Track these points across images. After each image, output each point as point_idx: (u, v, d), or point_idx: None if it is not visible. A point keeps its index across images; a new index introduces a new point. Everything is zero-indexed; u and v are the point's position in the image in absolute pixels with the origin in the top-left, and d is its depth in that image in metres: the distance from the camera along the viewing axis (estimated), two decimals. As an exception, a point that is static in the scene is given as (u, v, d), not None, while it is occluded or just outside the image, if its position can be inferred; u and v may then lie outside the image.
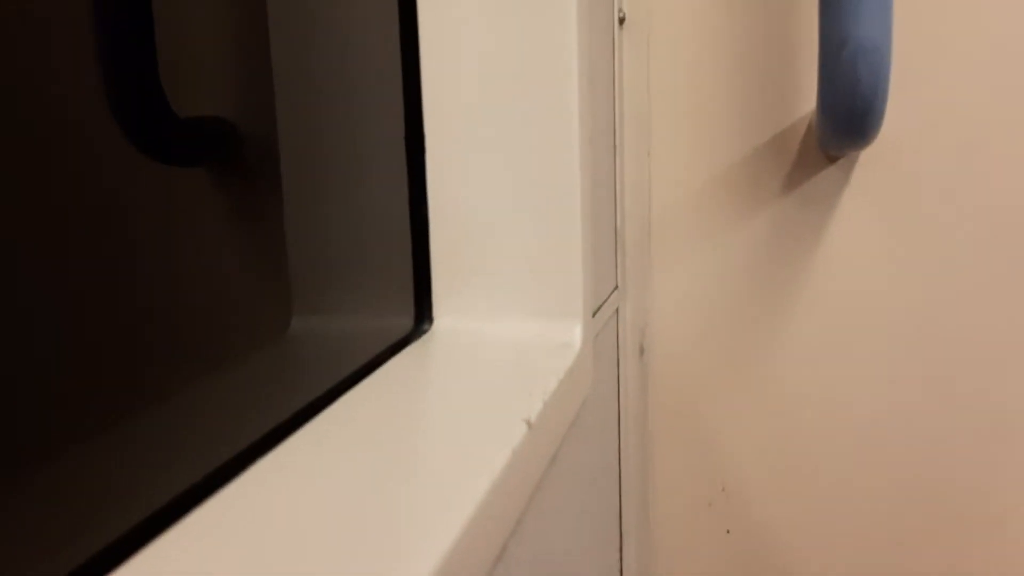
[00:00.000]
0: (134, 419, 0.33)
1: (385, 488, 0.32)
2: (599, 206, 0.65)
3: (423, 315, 0.55)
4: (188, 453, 0.34)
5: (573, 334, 0.53)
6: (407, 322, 0.55)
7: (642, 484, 0.78)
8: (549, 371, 0.47)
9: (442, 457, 0.36)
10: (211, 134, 0.58)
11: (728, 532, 0.78)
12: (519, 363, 0.49)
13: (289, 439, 0.36)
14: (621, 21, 0.70)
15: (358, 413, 0.40)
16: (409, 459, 0.36)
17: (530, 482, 0.41)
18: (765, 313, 0.74)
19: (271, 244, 0.56)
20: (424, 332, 0.54)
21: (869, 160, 0.68)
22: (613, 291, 0.70)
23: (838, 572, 0.77)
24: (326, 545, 0.28)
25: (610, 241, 0.70)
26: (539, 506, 0.47)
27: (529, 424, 0.39)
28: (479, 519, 0.31)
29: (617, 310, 0.71)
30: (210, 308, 0.42)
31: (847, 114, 0.58)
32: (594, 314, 0.61)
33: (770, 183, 0.71)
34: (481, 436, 0.37)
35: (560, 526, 0.53)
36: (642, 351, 0.75)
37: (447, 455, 0.36)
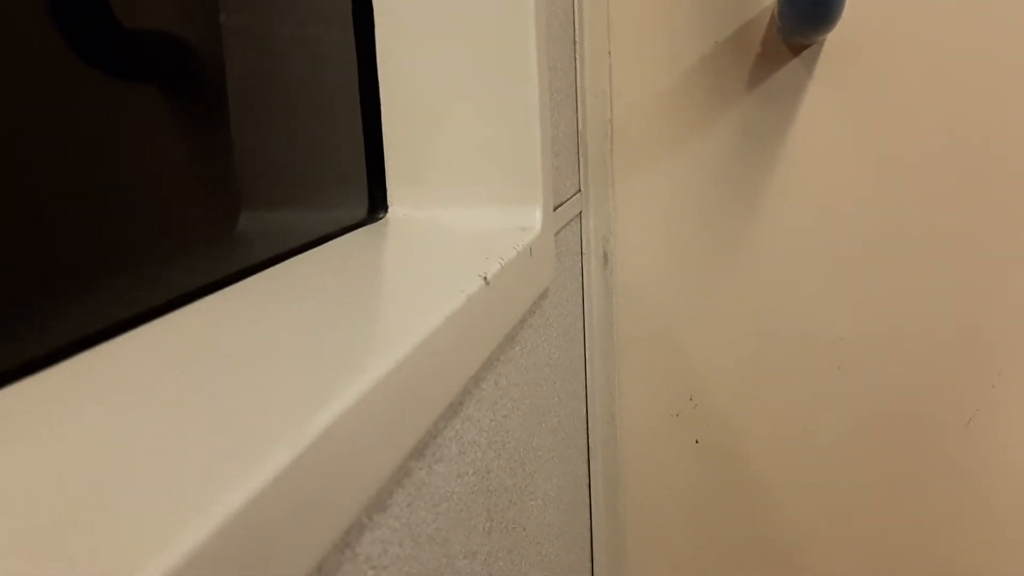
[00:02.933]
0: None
1: (343, 314, 0.31)
2: (559, 103, 0.63)
3: (377, 205, 0.53)
4: (135, 292, 0.31)
5: (533, 218, 0.52)
6: (360, 212, 0.52)
7: (609, 394, 0.77)
8: (508, 245, 0.45)
9: (397, 300, 0.34)
10: (156, 37, 0.55)
11: (697, 442, 0.77)
12: (477, 239, 0.47)
13: (235, 286, 0.34)
14: (577, -84, 0.67)
15: (306, 268, 0.38)
16: (366, 300, 0.34)
17: (487, 343, 0.39)
18: (730, 218, 0.73)
19: (214, 140, 0.54)
20: (378, 220, 0.52)
21: (832, 51, 0.67)
22: (576, 194, 0.68)
23: (807, 478, 0.77)
24: (275, 359, 0.26)
25: (572, 143, 0.68)
26: (499, 381, 0.45)
27: (486, 280, 0.38)
28: (430, 352, 0.30)
29: (580, 215, 0.70)
30: (146, 209, 0.40)
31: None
32: (555, 208, 0.59)
33: (732, 80, 0.69)
34: (437, 286, 0.36)
35: (520, 417, 0.52)
36: (606, 259, 0.74)
37: (402, 299, 0.34)
